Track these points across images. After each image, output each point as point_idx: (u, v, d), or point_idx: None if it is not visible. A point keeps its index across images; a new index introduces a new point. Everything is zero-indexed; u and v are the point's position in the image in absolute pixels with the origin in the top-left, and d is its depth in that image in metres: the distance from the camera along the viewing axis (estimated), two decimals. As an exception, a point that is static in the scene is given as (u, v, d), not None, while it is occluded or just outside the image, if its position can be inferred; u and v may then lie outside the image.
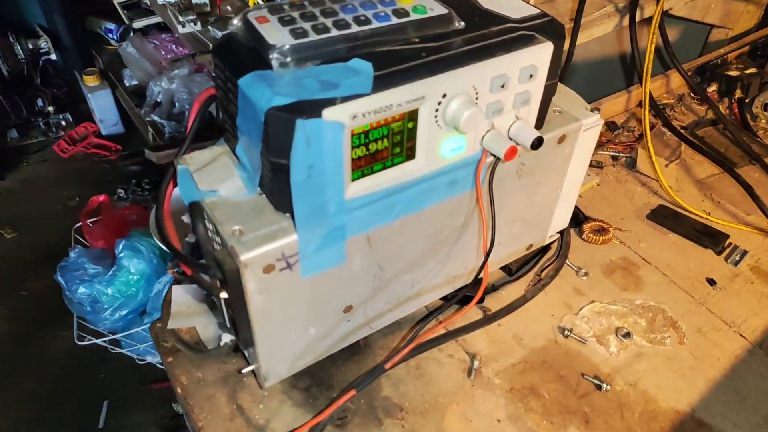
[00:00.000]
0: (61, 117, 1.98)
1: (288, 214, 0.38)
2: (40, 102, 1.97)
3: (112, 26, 1.85)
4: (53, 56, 2.01)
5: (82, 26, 1.94)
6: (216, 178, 0.40)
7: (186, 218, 0.41)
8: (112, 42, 1.86)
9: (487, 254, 0.47)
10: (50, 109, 1.97)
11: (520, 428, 0.46)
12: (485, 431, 0.46)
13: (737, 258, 0.62)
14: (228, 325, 0.43)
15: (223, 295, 0.38)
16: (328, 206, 0.38)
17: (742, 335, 0.55)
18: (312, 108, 0.33)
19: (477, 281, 0.51)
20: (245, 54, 0.36)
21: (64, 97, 2.00)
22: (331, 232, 0.39)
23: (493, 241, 0.47)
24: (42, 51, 1.99)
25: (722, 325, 0.55)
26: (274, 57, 0.34)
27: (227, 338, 0.45)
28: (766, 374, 0.51)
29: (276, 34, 0.35)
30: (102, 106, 1.88)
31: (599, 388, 0.49)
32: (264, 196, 0.40)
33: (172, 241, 0.39)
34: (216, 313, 0.50)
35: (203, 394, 0.46)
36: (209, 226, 0.39)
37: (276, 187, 0.37)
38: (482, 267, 0.47)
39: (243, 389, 0.47)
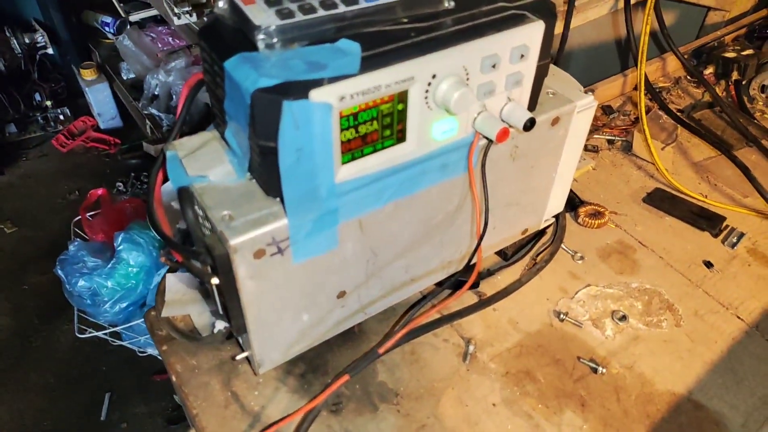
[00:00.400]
0: (59, 111, 1.98)
1: (278, 199, 0.38)
2: (37, 96, 1.97)
3: (108, 19, 1.84)
4: (50, 50, 2.00)
5: (79, 20, 1.93)
6: (205, 164, 0.40)
7: (176, 204, 0.41)
8: (109, 35, 1.86)
9: (480, 238, 0.47)
10: (48, 103, 1.96)
11: (515, 412, 0.46)
12: (481, 415, 0.46)
13: (734, 240, 0.62)
14: (221, 312, 0.43)
15: (215, 280, 0.38)
16: (319, 190, 0.38)
17: (739, 317, 0.54)
18: (299, 89, 0.33)
19: (471, 266, 0.50)
20: (231, 36, 0.36)
21: (61, 91, 1.99)
22: (322, 216, 0.39)
23: (486, 225, 0.47)
24: (39, 45, 1.98)
25: (719, 308, 0.55)
26: (260, 38, 0.34)
27: (221, 325, 0.45)
28: (764, 356, 0.51)
29: (262, 15, 0.34)
30: (100, 100, 1.88)
31: (595, 371, 0.49)
32: (254, 181, 0.39)
33: (162, 227, 0.39)
34: (210, 300, 0.50)
35: (198, 381, 0.46)
36: (199, 211, 0.39)
37: (265, 171, 0.37)
38: (475, 251, 0.47)
39: (237, 376, 0.47)
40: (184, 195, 0.38)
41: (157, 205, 0.40)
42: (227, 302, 0.39)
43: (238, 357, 0.44)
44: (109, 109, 1.92)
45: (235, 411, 0.45)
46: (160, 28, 1.71)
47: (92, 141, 1.93)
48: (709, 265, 0.59)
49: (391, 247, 0.45)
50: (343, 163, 0.38)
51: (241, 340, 0.46)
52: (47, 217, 1.65)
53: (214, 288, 0.40)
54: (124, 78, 1.75)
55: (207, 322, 0.49)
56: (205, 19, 1.39)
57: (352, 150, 0.38)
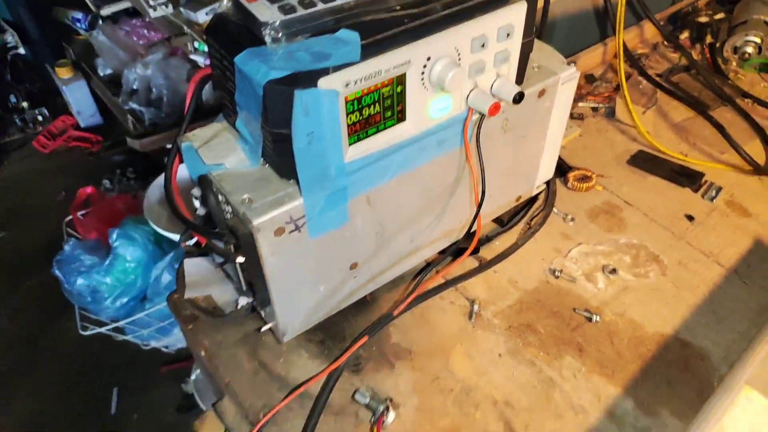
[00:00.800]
0: (36, 112, 1.95)
1: (292, 181, 0.41)
2: (13, 98, 1.93)
3: (79, 15, 1.80)
4: (21, 50, 1.96)
5: (49, 17, 1.89)
6: (219, 153, 0.42)
7: (196, 191, 0.43)
8: (81, 32, 1.82)
9: (479, 206, 0.50)
10: (24, 104, 1.93)
11: (519, 361, 0.50)
12: (488, 366, 0.50)
13: (713, 194, 0.66)
14: (244, 288, 0.46)
15: (240, 259, 0.41)
16: (330, 170, 0.41)
17: (719, 263, 0.59)
18: (307, 79, 0.35)
19: (471, 233, 0.54)
20: (237, 33, 0.38)
21: (38, 91, 1.96)
22: (333, 194, 0.42)
23: (483, 194, 0.50)
24: (9, 46, 1.94)
25: (701, 256, 0.60)
26: (266, 33, 0.36)
27: (244, 301, 0.48)
28: (742, 296, 0.56)
29: (266, 12, 0.37)
30: (78, 98, 1.85)
31: (590, 320, 0.53)
32: (267, 166, 0.42)
33: (183, 213, 0.42)
34: (228, 281, 0.53)
35: (226, 354, 0.50)
36: (220, 197, 0.41)
37: (279, 156, 0.40)
38: (474, 219, 0.51)
39: (262, 347, 0.50)
40: (204, 182, 0.41)
41: (175, 194, 0.43)
42: (252, 278, 0.42)
43: (263, 329, 0.48)
44: (88, 107, 1.90)
45: (264, 377, 0.48)
46: (134, 21, 1.68)
47: (74, 140, 1.91)
48: (690, 218, 0.64)
49: (397, 219, 0.48)
50: (350, 144, 0.41)
51: (263, 314, 0.49)
52: (37, 220, 1.65)
53: (238, 266, 0.43)
54: (101, 74, 1.73)
55: (228, 299, 0.52)
56: (181, 9, 1.38)
57: (357, 131, 0.41)
